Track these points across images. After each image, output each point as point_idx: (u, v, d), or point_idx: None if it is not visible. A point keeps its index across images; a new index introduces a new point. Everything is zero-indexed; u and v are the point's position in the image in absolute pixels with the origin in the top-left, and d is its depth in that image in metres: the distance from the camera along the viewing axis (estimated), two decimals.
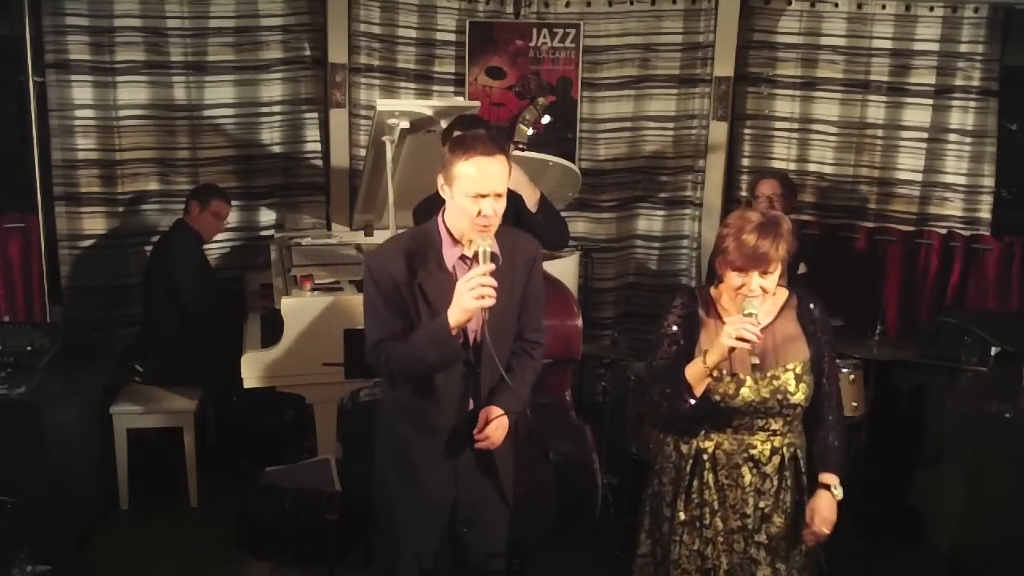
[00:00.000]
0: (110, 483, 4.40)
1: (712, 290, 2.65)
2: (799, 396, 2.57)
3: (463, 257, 2.57)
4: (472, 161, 2.44)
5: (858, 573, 3.87)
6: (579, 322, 3.78)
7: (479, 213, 2.45)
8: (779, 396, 2.56)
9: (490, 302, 2.42)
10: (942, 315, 4.91)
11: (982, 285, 5.08)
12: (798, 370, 2.57)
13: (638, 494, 4.30)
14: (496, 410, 2.63)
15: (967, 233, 5.11)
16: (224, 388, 4.72)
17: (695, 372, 2.51)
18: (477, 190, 2.44)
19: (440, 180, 2.54)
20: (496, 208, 2.47)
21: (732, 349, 2.42)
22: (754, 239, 2.44)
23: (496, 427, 2.62)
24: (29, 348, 4.07)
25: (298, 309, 4.15)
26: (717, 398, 2.55)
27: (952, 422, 4.11)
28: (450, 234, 2.57)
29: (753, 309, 2.45)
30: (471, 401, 2.67)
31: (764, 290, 2.49)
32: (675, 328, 2.63)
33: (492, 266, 2.45)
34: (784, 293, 2.66)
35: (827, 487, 2.63)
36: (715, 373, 2.50)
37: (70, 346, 4.26)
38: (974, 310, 4.99)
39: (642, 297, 5.75)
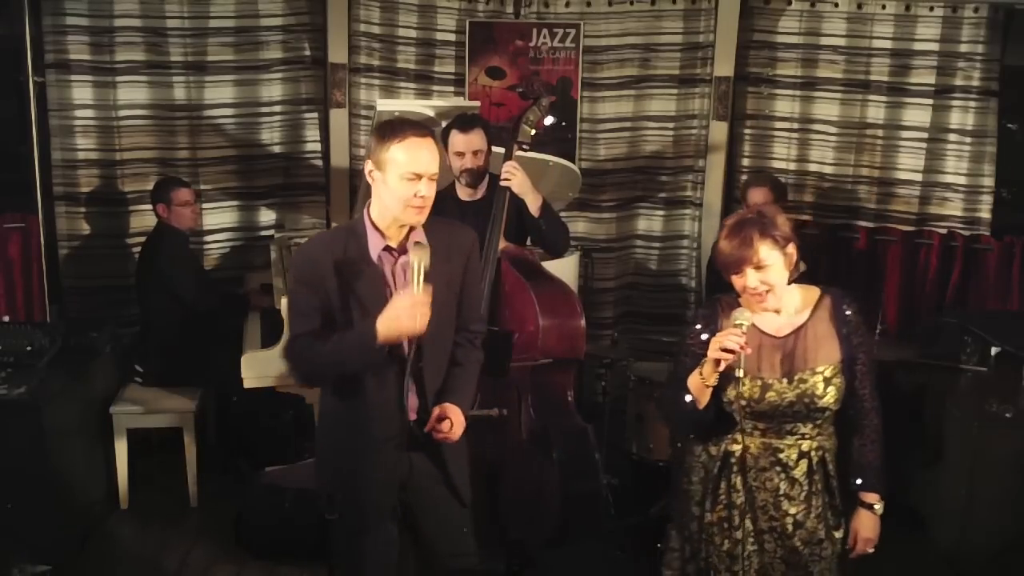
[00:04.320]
0: (110, 483, 4.40)
1: (739, 298, 2.61)
2: (827, 400, 2.52)
3: (387, 248, 2.59)
4: (406, 143, 2.49)
5: (857, 572, 3.86)
6: (583, 322, 3.77)
7: (415, 195, 2.50)
8: (806, 399, 2.51)
9: (423, 327, 2.45)
10: (942, 315, 4.92)
11: (982, 285, 5.09)
12: (827, 373, 2.52)
13: (638, 494, 4.36)
14: (451, 406, 2.63)
15: (967, 233, 5.12)
16: (224, 388, 4.71)
17: (695, 383, 2.51)
18: (413, 170, 2.49)
19: (368, 167, 2.57)
20: (431, 190, 2.52)
21: (718, 361, 2.41)
22: (726, 244, 2.50)
23: (455, 424, 2.62)
24: (29, 348, 4.06)
25: None
26: (743, 402, 2.52)
27: (952, 422, 4.11)
28: (375, 226, 2.59)
29: (742, 320, 2.44)
30: (415, 399, 2.66)
31: (765, 284, 2.48)
32: (692, 340, 2.62)
33: (430, 290, 2.46)
34: (815, 292, 2.64)
35: (869, 506, 2.65)
36: (712, 383, 2.47)
37: (70, 346, 4.26)
38: (974, 310, 5.00)
39: (642, 297, 5.74)
